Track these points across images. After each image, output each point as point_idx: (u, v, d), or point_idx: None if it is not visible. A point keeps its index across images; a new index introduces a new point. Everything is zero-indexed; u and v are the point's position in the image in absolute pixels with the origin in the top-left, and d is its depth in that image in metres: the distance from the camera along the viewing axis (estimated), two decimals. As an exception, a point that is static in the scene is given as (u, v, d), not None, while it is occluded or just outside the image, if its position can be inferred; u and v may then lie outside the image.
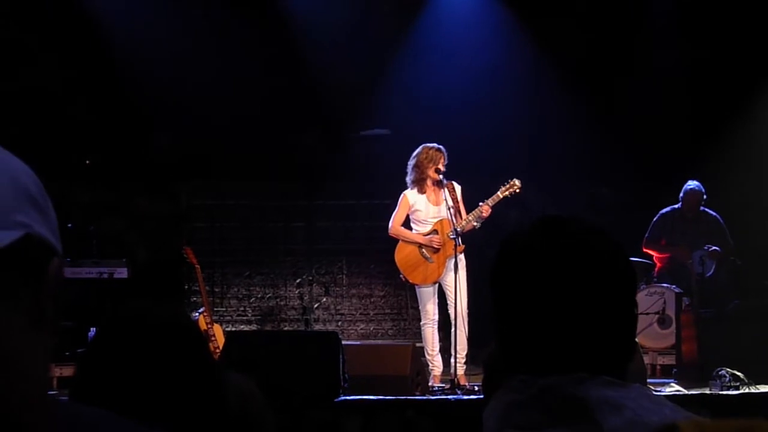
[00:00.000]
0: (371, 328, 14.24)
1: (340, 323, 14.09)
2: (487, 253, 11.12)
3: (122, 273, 11.68)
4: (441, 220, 10.45)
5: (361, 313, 14.31)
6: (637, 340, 9.90)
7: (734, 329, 11.32)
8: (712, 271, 11.98)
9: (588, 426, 1.82)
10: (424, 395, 9.56)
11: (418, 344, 10.49)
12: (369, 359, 9.75)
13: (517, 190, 10.52)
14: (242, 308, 14.11)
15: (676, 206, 12.24)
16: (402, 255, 10.54)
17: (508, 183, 10.54)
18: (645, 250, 12.25)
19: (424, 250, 10.47)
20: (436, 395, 9.71)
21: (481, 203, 10.43)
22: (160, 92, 13.08)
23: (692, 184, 12.15)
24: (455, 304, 10.20)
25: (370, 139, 13.85)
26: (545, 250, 1.98)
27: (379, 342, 13.40)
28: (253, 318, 14.09)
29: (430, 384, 10.21)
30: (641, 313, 10.53)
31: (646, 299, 11.37)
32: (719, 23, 13.59)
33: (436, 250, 10.43)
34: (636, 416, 1.83)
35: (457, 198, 10.38)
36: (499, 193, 10.48)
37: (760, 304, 11.63)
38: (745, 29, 13.54)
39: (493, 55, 14.04)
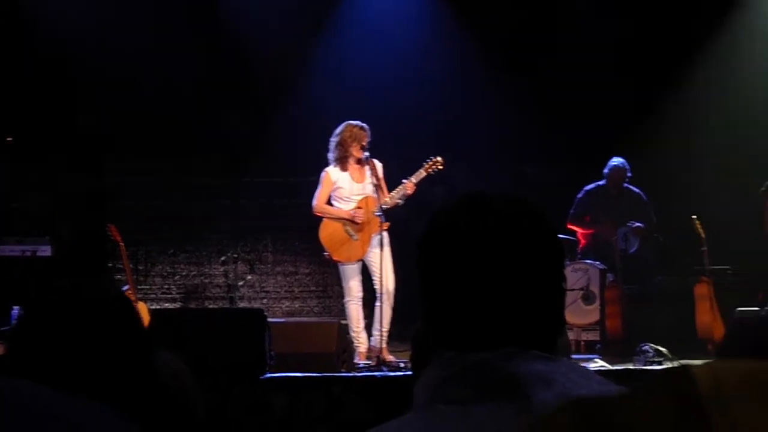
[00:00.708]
0: (296, 306, 14.23)
1: (265, 301, 14.05)
2: (411, 230, 11.17)
3: (46, 251, 11.56)
4: (366, 197, 10.46)
5: (286, 291, 14.28)
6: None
7: (658, 305, 11.50)
8: (635, 247, 12.08)
9: (518, 400, 1.81)
10: (350, 372, 9.57)
11: (343, 321, 10.50)
12: (294, 336, 9.75)
13: (440, 167, 10.57)
14: (167, 286, 14.02)
15: (600, 183, 12.32)
16: (326, 233, 10.52)
17: (431, 160, 10.59)
18: (569, 226, 12.32)
19: (348, 227, 10.46)
20: (362, 372, 9.72)
21: (404, 180, 10.46)
22: (83, 68, 12.94)
23: (616, 160, 12.24)
24: (381, 280, 10.23)
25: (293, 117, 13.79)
26: (471, 225, 1.96)
27: (305, 319, 13.38)
28: (177, 296, 14.01)
29: (355, 361, 10.22)
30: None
31: (570, 276, 11.43)
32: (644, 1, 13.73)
33: (361, 228, 10.42)
34: (566, 390, 1.82)
35: (378, 175, 10.40)
36: (422, 170, 10.52)
37: (683, 281, 11.78)
38: (670, 5, 13.66)
39: (418, 34, 14.06)
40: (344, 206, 10.52)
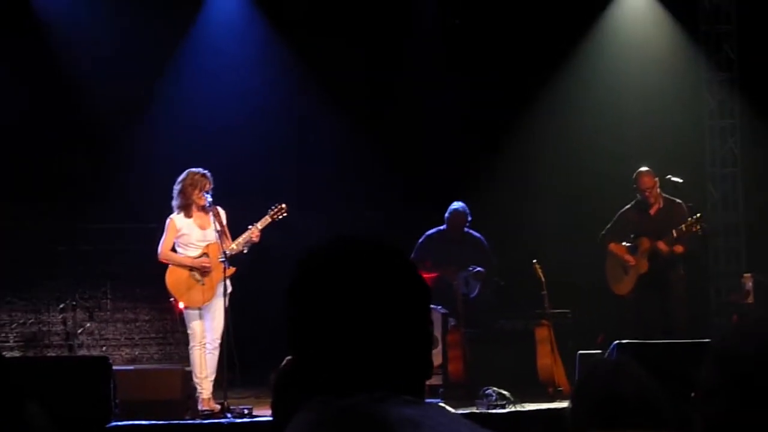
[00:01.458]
0: (137, 353, 14.02)
1: (105, 348, 13.80)
2: (252, 276, 11.18)
3: None
4: (210, 243, 10.42)
5: (126, 338, 14.06)
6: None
7: (499, 349, 11.62)
8: (476, 291, 12.20)
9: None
10: (194, 419, 9.48)
11: (187, 368, 10.41)
12: (139, 384, 9.66)
13: (285, 214, 10.60)
14: (4, 334, 13.67)
15: (441, 228, 12.40)
16: (173, 278, 10.43)
17: (275, 207, 10.62)
18: (410, 271, 12.35)
19: (195, 272, 10.39)
20: (208, 419, 9.64)
21: (250, 226, 10.45)
22: None
23: (457, 205, 12.30)
24: (212, 327, 10.24)
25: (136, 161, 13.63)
26: (341, 268, 1.99)
27: (149, 366, 13.19)
28: (15, 345, 13.65)
29: (200, 408, 10.12)
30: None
31: (412, 320, 11.49)
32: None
33: (207, 273, 10.36)
34: (434, 434, 1.85)
35: (222, 222, 10.39)
36: (267, 216, 10.55)
37: (524, 324, 11.95)
38: (506, 56, 13.95)
39: (262, 78, 14.08)
40: (189, 253, 10.46)
